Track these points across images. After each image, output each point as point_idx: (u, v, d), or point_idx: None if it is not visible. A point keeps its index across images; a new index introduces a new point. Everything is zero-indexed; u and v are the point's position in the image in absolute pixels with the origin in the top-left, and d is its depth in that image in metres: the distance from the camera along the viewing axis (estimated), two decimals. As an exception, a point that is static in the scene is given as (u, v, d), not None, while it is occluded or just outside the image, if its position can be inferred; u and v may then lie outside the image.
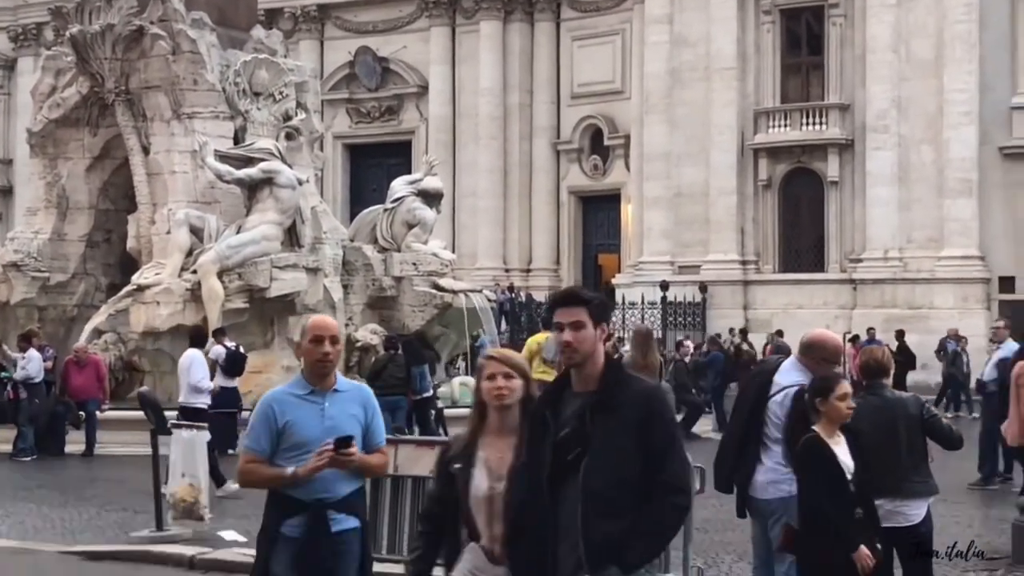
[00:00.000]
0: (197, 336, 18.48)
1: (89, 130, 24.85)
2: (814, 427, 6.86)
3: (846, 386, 6.92)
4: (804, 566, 6.88)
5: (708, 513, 12.20)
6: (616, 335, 30.12)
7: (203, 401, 16.69)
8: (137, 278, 22.83)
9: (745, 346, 32.08)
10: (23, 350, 21.01)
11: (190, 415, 15.59)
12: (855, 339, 32.67)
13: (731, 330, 36.80)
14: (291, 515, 5.77)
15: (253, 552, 11.32)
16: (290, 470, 5.72)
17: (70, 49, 24.43)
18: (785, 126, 41.83)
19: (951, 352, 28.95)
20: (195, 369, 16.67)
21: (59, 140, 25.00)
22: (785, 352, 21.57)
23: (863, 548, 6.59)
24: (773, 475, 7.61)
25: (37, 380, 20.81)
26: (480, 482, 5.03)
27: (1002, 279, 38.81)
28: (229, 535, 12.25)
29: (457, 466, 5.09)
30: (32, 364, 20.81)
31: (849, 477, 6.74)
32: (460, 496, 5.06)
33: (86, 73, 24.19)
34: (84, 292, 24.99)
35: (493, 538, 5.00)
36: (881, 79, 40.10)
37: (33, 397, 20.67)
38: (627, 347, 18.88)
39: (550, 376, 20.13)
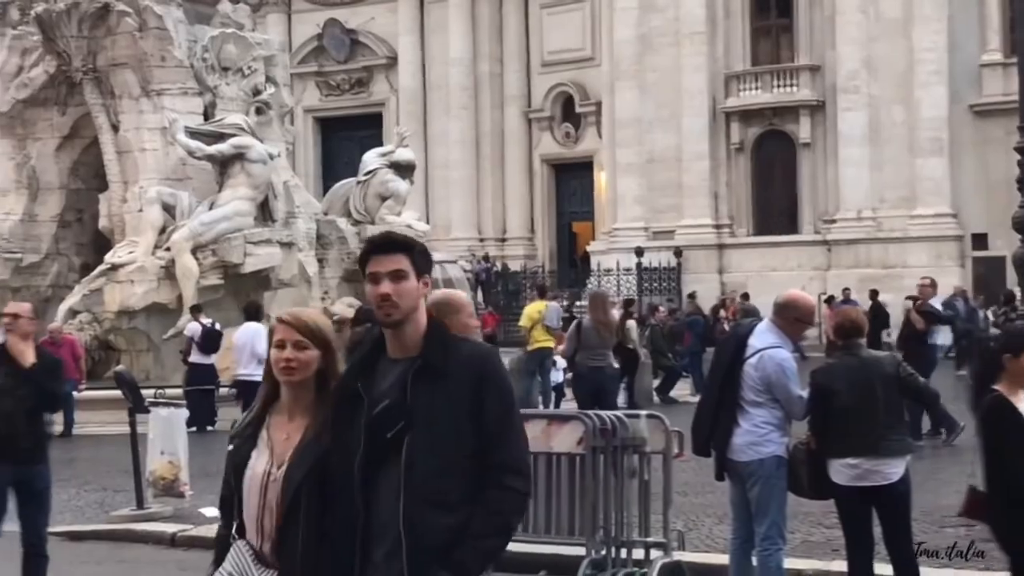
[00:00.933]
0: (253, 309, 18.75)
1: (57, 109, 24.69)
2: (996, 386, 6.32)
3: None
4: (1000, 530, 6.41)
5: (687, 476, 12.27)
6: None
7: (260, 374, 16.85)
8: (110, 257, 22.73)
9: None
10: None
11: (249, 388, 15.83)
12: (830, 300, 32.84)
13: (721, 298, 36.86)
14: None
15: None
16: None
17: (36, 28, 24.23)
18: (756, 89, 41.89)
19: (966, 309, 29.14)
20: (259, 341, 16.94)
21: (27, 120, 24.83)
22: (752, 314, 21.73)
23: None
24: (750, 437, 7.66)
25: None
26: (257, 464, 4.19)
27: (975, 236, 39.05)
28: (210, 512, 12.22)
29: (230, 447, 4.28)
30: None
31: None
32: (233, 480, 4.23)
33: (53, 52, 24.01)
34: (57, 272, 24.88)
35: (263, 534, 4.17)
36: (851, 40, 40.16)
37: None
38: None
39: (552, 344, 20.27)
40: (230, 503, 4.29)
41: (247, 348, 17.56)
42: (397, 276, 4.00)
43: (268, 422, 4.27)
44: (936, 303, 18.05)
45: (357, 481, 3.95)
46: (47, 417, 8.69)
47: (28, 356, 8.29)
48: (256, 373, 16.69)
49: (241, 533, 4.23)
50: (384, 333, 4.09)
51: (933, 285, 18.76)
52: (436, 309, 4.87)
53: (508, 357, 24.94)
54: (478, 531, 3.91)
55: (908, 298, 18.73)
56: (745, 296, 32.90)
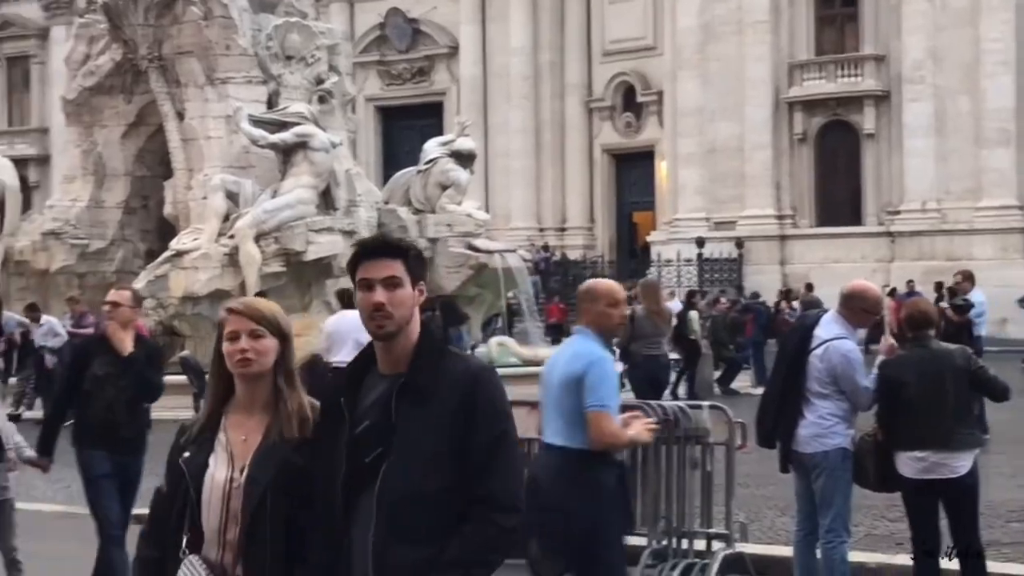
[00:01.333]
0: (348, 296, 18.92)
1: (123, 97, 24.92)
2: None
3: None
4: None
5: (749, 468, 12.19)
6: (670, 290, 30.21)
7: None
8: (175, 244, 22.94)
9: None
10: (35, 320, 21.21)
11: None
12: (893, 292, 32.51)
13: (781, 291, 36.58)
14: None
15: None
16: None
17: (103, 16, 24.47)
18: (820, 78, 41.54)
19: None
20: (364, 331, 16.93)
21: (94, 108, 25.09)
22: (814, 306, 21.57)
23: None
24: (815, 429, 7.61)
25: (57, 345, 21.04)
26: (218, 471, 3.82)
27: (1041, 228, 38.54)
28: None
29: (187, 454, 3.87)
30: (53, 328, 21.07)
31: None
32: (190, 491, 3.82)
33: (119, 40, 24.23)
34: (122, 258, 25.13)
35: (225, 546, 3.79)
36: (916, 29, 39.72)
37: (62, 360, 20.93)
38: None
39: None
40: (166, 521, 3.86)
41: (349, 336, 17.53)
42: (391, 283, 3.67)
43: (224, 423, 3.90)
44: (975, 296, 17.80)
45: (339, 506, 3.65)
46: (146, 406, 8.56)
47: (128, 344, 8.17)
48: None
49: (193, 548, 3.81)
50: (374, 345, 3.76)
51: (969, 278, 18.57)
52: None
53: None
54: (449, 566, 3.54)
55: (947, 289, 18.52)
56: (809, 287, 32.61)
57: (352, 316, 18.03)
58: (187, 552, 3.80)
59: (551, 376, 6.41)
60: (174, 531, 3.84)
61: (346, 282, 23.51)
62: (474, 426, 3.59)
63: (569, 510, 6.07)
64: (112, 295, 8.45)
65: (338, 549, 3.67)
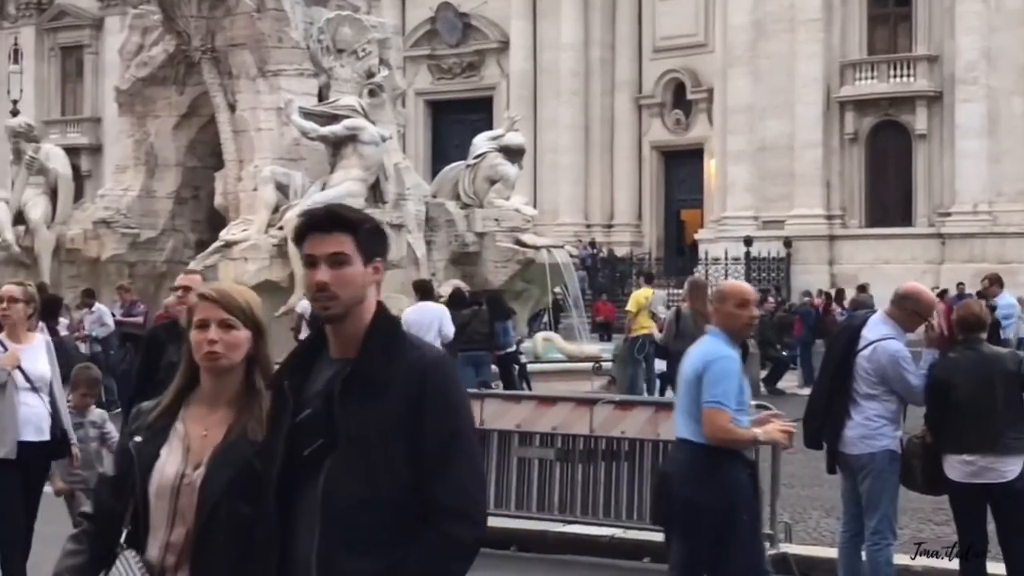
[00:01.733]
0: (427, 288, 19.05)
1: (176, 88, 25.09)
2: None
3: None
4: None
5: (795, 468, 12.14)
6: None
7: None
8: (225, 234, 23.08)
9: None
10: (88, 306, 21.45)
11: None
12: (943, 294, 32.22)
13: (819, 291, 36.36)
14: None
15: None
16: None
17: (156, 7, 24.66)
18: (872, 78, 41.24)
19: None
20: (447, 321, 17.38)
21: (147, 98, 25.28)
22: (865, 307, 21.46)
23: None
24: (862, 430, 7.58)
25: (103, 335, 21.29)
26: (168, 464, 3.49)
27: (1095, 233, 38.11)
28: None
29: (138, 439, 3.56)
30: (102, 317, 21.35)
31: None
32: (136, 482, 3.50)
33: (172, 31, 24.41)
34: (173, 248, 25.32)
35: (167, 547, 3.46)
36: (970, 30, 39.35)
37: (107, 350, 21.14)
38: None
39: (653, 331, 20.32)
40: (109, 509, 3.55)
41: (432, 327, 17.65)
42: (337, 261, 3.30)
43: (183, 414, 3.57)
44: (1004, 299, 17.71)
45: (271, 504, 3.28)
46: None
47: None
48: None
49: (132, 542, 3.48)
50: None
51: (997, 282, 18.47)
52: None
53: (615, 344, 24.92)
54: None
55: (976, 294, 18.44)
56: (862, 288, 32.34)
57: (433, 307, 18.21)
58: (124, 546, 3.48)
59: (682, 373, 6.59)
60: (115, 521, 3.52)
61: (392, 276, 23.62)
62: (426, 422, 3.22)
63: (698, 504, 6.18)
64: (184, 280, 8.29)
65: (268, 554, 3.27)
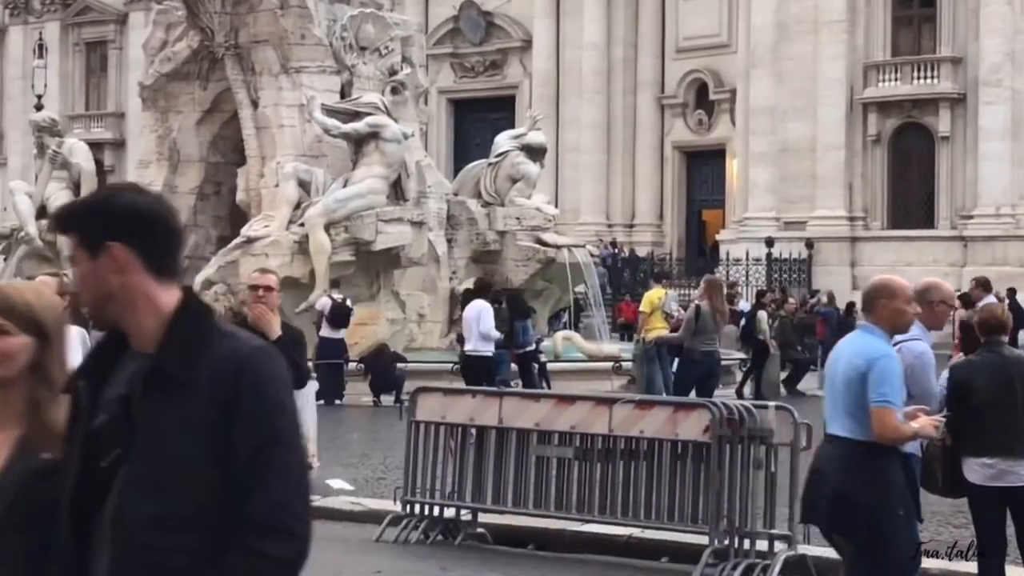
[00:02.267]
0: (484, 288, 19.18)
1: (199, 84, 25.18)
2: None
3: None
4: None
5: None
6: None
7: (490, 349, 17.85)
8: (246, 230, 23.15)
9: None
10: None
11: (476, 363, 17.09)
12: (965, 296, 32.07)
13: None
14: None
15: (359, 500, 11.49)
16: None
17: (180, 3, 24.76)
18: (895, 80, 41.11)
19: None
20: (484, 318, 17.76)
21: (170, 94, 25.37)
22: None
23: None
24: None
25: None
26: None
27: (1119, 237, 37.92)
28: (337, 483, 12.44)
29: None
30: None
31: None
32: None
33: (196, 27, 24.50)
34: (195, 244, 25.39)
35: None
36: (995, 32, 39.20)
37: None
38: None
39: (667, 330, 20.35)
40: None
41: (471, 325, 18.01)
42: (73, 260, 2.91)
43: None
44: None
45: (65, 528, 2.87)
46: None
47: (277, 328, 8.01)
48: (482, 349, 17.80)
49: None
50: None
51: (983, 285, 18.39)
52: (870, 293, 5.21)
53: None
54: None
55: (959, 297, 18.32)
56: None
57: (478, 305, 18.34)
58: None
59: (834, 370, 6.47)
60: None
61: (413, 273, 23.65)
62: (238, 423, 2.77)
63: (854, 500, 6.17)
64: (262, 279, 8.28)
65: None
